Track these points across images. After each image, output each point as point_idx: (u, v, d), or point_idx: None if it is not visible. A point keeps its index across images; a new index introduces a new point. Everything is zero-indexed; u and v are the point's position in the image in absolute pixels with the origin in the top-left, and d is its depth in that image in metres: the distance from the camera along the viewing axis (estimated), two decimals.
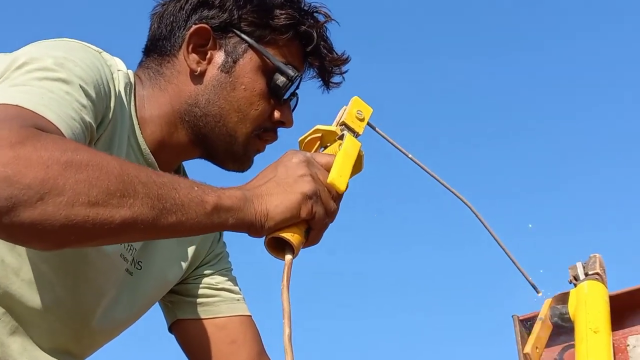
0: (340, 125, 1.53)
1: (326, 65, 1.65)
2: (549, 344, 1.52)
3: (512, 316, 1.59)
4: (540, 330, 1.48)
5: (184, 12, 1.58)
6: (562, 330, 1.52)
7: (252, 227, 1.33)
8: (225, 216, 1.28)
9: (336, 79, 1.69)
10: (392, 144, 1.60)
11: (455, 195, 1.62)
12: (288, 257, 1.36)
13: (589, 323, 1.42)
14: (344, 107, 1.57)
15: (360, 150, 1.50)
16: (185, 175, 1.73)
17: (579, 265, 1.56)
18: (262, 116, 1.58)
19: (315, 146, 1.54)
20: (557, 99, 8.76)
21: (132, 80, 1.54)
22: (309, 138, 1.53)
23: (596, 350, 1.37)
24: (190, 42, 1.56)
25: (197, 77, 1.56)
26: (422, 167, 1.61)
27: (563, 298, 1.53)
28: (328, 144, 1.53)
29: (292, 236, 1.36)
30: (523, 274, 1.60)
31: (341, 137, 1.51)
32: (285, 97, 1.59)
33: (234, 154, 1.60)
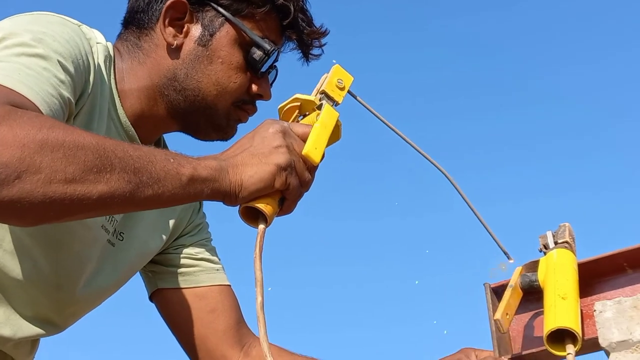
0: (320, 94, 1.54)
1: (304, 38, 1.67)
2: (519, 311, 1.54)
3: (484, 284, 1.60)
4: (510, 298, 1.49)
5: None
6: (532, 297, 1.54)
7: (226, 197, 1.36)
8: (201, 187, 1.31)
9: (315, 51, 1.70)
10: (372, 112, 1.62)
11: (432, 164, 1.63)
12: (261, 226, 1.38)
13: (557, 290, 1.44)
14: (325, 74, 1.58)
15: (338, 120, 1.51)
16: (165, 147, 1.75)
17: (549, 234, 1.58)
18: (241, 89, 1.60)
19: (294, 115, 1.54)
20: (528, 67, 8.82)
21: (111, 52, 1.55)
22: (288, 106, 1.54)
23: (564, 316, 1.39)
24: (166, 15, 1.57)
25: (174, 51, 1.57)
26: (400, 135, 1.62)
27: (533, 266, 1.55)
28: (307, 113, 1.54)
29: (265, 206, 1.38)
30: (496, 241, 1.63)
31: (319, 107, 1.52)
32: (263, 70, 1.61)
33: (217, 125, 1.62)
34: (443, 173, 1.63)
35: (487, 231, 1.64)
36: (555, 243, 1.55)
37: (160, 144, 1.74)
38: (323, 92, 1.54)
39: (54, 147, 1.13)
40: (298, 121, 1.52)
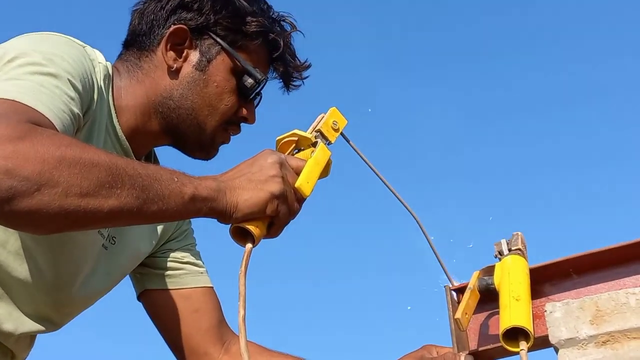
0: (315, 132, 1.66)
1: (289, 70, 1.79)
2: (476, 311, 1.62)
3: (445, 286, 1.69)
4: (469, 299, 1.57)
5: (164, 11, 1.69)
6: (488, 298, 1.62)
7: (222, 216, 1.46)
8: (200, 205, 1.41)
9: (297, 82, 1.83)
10: (360, 155, 1.74)
11: (408, 210, 1.75)
12: (249, 245, 1.48)
13: (511, 292, 1.52)
14: (322, 114, 1.70)
15: (329, 159, 1.63)
16: (155, 158, 1.84)
17: (503, 242, 1.67)
18: (230, 111, 1.71)
19: (290, 148, 1.65)
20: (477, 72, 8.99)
21: (110, 71, 1.64)
22: (286, 139, 1.64)
23: (518, 316, 1.46)
24: (168, 40, 1.68)
25: (173, 73, 1.68)
26: (382, 180, 1.74)
27: (489, 270, 1.63)
28: (302, 148, 1.65)
29: (254, 228, 1.48)
30: (442, 267, 1.73)
31: (314, 144, 1.63)
32: (251, 97, 1.72)
33: (202, 143, 1.72)
34: (416, 220, 1.75)
35: (438, 261, 1.74)
36: (509, 250, 1.64)
37: (151, 156, 1.82)
38: (319, 131, 1.65)
39: (71, 164, 1.21)
40: (293, 154, 1.63)
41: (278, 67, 1.79)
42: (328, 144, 1.66)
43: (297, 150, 1.65)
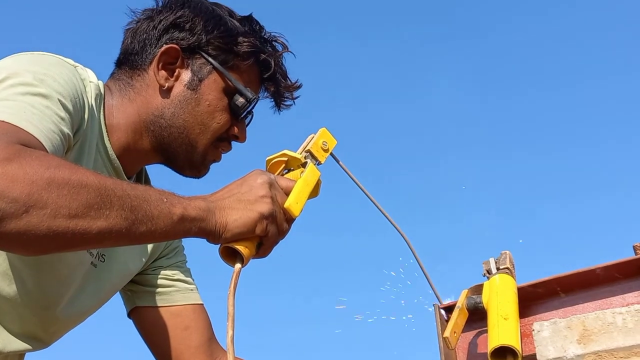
0: (305, 152, 1.67)
1: (280, 90, 1.80)
2: (465, 329, 1.64)
3: (434, 304, 1.70)
4: (457, 317, 1.58)
5: (156, 31, 1.70)
6: (476, 317, 1.64)
7: (211, 235, 1.45)
8: (190, 225, 1.41)
9: (288, 102, 1.84)
10: (349, 175, 1.76)
11: (397, 229, 1.77)
12: (238, 265, 1.48)
13: (500, 311, 1.53)
14: (312, 135, 1.71)
15: (319, 179, 1.64)
16: (146, 176, 1.84)
17: (492, 261, 1.68)
18: (222, 130, 1.71)
19: (280, 168, 1.65)
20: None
21: (102, 90, 1.64)
22: (275, 160, 1.65)
23: (506, 335, 1.48)
24: (160, 59, 1.68)
25: (164, 92, 1.68)
26: (371, 199, 1.77)
27: (478, 289, 1.65)
28: (292, 168, 1.65)
29: (244, 248, 1.47)
30: (431, 286, 1.74)
31: (304, 165, 1.63)
32: (243, 115, 1.73)
33: (193, 162, 1.72)
34: (404, 238, 1.77)
35: (427, 280, 1.76)
36: (497, 269, 1.66)
37: (142, 174, 1.82)
38: (309, 151, 1.67)
39: (60, 185, 1.21)
40: (283, 174, 1.64)
41: (269, 87, 1.80)
42: (318, 164, 1.67)
43: (286, 171, 1.66)
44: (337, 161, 1.74)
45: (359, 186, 1.76)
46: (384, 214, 1.77)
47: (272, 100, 1.82)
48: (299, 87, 1.83)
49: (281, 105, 1.83)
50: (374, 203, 1.77)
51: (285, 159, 1.66)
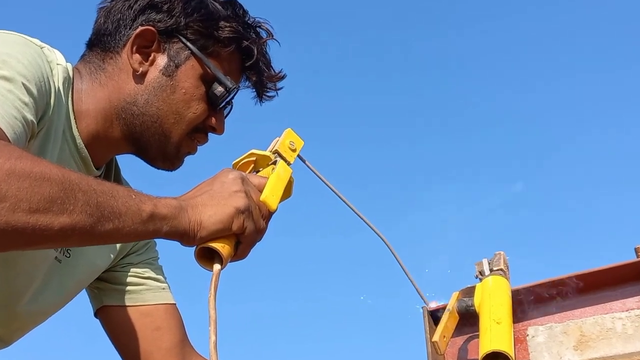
0: (273, 153, 1.60)
1: (263, 80, 1.71)
2: (455, 334, 1.59)
3: (422, 307, 1.65)
4: (447, 321, 1.54)
5: (132, 11, 1.60)
6: (467, 321, 1.59)
7: (185, 236, 1.38)
8: (160, 224, 1.33)
9: (270, 93, 1.74)
10: (319, 177, 1.70)
11: (372, 229, 1.72)
12: (217, 267, 1.40)
13: (492, 314, 1.48)
14: (277, 137, 1.64)
15: (291, 177, 1.58)
16: (116, 166, 1.76)
17: (485, 262, 1.64)
18: (198, 120, 1.62)
19: (249, 169, 1.59)
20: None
21: (70, 74, 1.54)
22: (243, 161, 1.59)
23: (498, 340, 1.43)
24: (135, 42, 1.58)
25: (138, 77, 1.58)
26: (344, 201, 1.71)
27: (469, 291, 1.60)
28: (261, 168, 1.59)
29: (222, 247, 1.41)
30: (415, 288, 1.68)
31: (274, 163, 1.58)
32: (221, 106, 1.64)
33: (166, 153, 1.63)
34: (382, 239, 1.71)
35: (412, 283, 1.69)
36: (491, 270, 1.61)
37: (112, 164, 1.74)
38: (276, 152, 1.60)
39: (21, 177, 1.13)
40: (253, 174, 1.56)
41: (251, 76, 1.70)
42: (287, 165, 1.61)
43: (255, 172, 1.60)
44: (304, 161, 1.68)
45: (329, 187, 1.71)
46: (358, 215, 1.72)
47: (254, 90, 1.73)
48: (283, 77, 1.73)
49: (263, 96, 1.74)
50: (346, 203, 1.72)
51: (254, 158, 1.61)
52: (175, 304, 1.84)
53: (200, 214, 1.38)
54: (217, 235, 1.40)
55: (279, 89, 1.74)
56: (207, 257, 1.42)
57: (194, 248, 1.42)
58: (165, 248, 1.88)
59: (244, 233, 1.43)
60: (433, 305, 1.66)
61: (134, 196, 1.30)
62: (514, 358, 1.41)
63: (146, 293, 1.81)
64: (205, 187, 1.44)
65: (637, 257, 1.52)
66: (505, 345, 1.42)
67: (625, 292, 1.52)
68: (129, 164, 1.76)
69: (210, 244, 1.40)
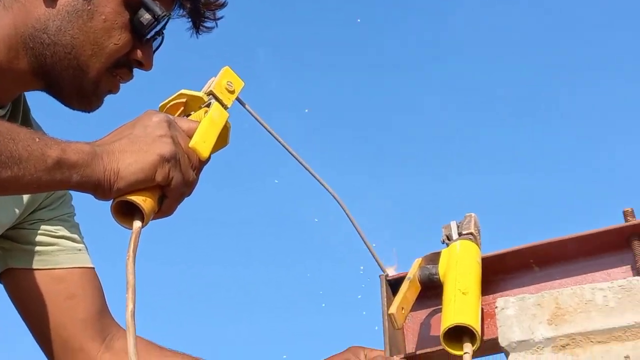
0: (208, 95, 1.48)
1: (199, 8, 1.59)
2: (415, 308, 1.49)
3: (380, 275, 1.54)
4: (407, 291, 1.43)
5: None
6: (431, 293, 1.48)
7: (99, 187, 1.26)
8: (69, 173, 1.22)
9: (208, 23, 1.63)
10: (260, 122, 1.58)
11: (318, 181, 1.60)
12: (137, 224, 1.29)
13: (458, 284, 1.38)
14: (213, 77, 1.51)
15: (227, 122, 1.46)
16: (25, 105, 1.62)
17: (453, 225, 1.52)
18: (120, 52, 1.50)
19: (178, 112, 1.47)
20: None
21: None
22: (171, 103, 1.47)
23: (463, 312, 1.33)
24: None
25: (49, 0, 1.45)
26: (287, 149, 1.59)
27: (434, 258, 1.49)
28: (192, 112, 1.47)
29: (143, 201, 1.29)
30: (373, 255, 1.58)
31: (208, 105, 1.46)
32: (149, 36, 1.51)
33: (83, 90, 1.51)
34: (328, 190, 1.61)
35: (368, 249, 1.59)
36: (459, 234, 1.52)
37: (20, 103, 1.60)
38: (211, 93, 1.48)
39: None
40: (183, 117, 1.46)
41: (185, 3, 1.57)
42: (224, 108, 1.48)
43: (186, 116, 1.48)
44: (244, 105, 1.55)
45: (273, 135, 1.58)
46: (304, 166, 1.59)
47: (190, 20, 1.60)
48: (223, 4, 1.61)
49: (200, 27, 1.62)
50: (290, 153, 1.59)
51: (184, 100, 1.48)
52: (93, 267, 1.71)
53: (117, 162, 1.27)
54: (137, 187, 1.29)
55: (219, 19, 1.63)
56: (126, 212, 1.31)
57: (111, 202, 1.31)
58: (81, 201, 1.74)
59: (170, 185, 1.32)
60: (392, 272, 1.54)
61: (37, 139, 1.20)
62: (479, 333, 1.31)
63: (59, 254, 1.67)
64: (125, 130, 1.32)
65: (626, 221, 1.42)
66: (470, 318, 1.32)
67: (612, 261, 1.44)
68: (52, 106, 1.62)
69: (129, 197, 1.29)
